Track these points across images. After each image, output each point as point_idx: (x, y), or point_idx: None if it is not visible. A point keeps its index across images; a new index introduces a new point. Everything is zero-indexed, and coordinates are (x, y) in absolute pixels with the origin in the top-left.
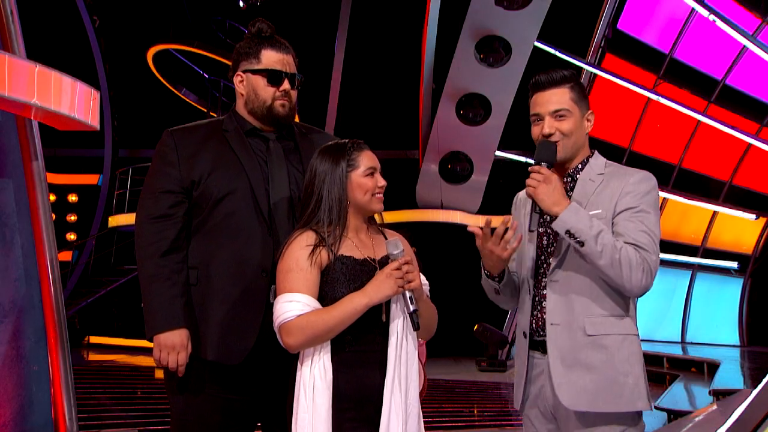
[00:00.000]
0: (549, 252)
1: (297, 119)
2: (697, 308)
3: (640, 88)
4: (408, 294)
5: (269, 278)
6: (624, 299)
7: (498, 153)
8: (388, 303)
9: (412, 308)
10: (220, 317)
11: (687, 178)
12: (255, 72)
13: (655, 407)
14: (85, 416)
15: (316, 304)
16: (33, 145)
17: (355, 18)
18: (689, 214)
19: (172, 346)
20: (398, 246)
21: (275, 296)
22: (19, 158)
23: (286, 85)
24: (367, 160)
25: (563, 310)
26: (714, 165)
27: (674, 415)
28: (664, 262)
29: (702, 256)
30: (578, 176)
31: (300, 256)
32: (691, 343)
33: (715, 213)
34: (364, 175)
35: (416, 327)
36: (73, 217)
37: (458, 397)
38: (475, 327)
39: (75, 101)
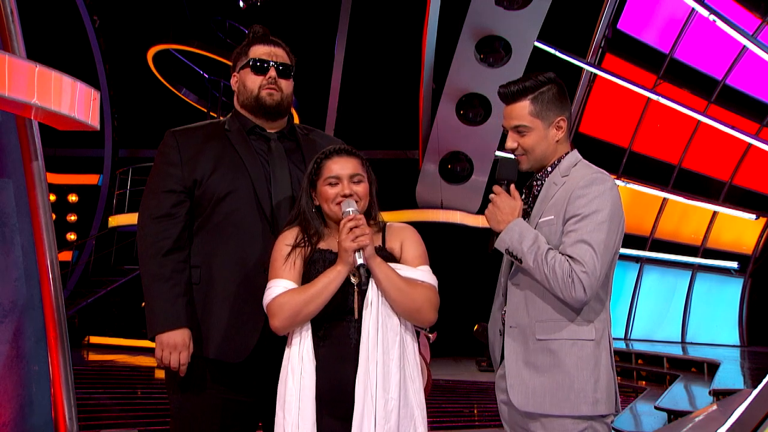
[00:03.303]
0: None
1: (297, 119)
2: (697, 308)
3: (640, 88)
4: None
5: None
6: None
7: (498, 153)
8: (361, 300)
9: (359, 262)
10: (223, 315)
11: (687, 178)
12: (244, 66)
13: (656, 407)
14: (85, 416)
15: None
16: (33, 145)
17: (355, 18)
18: (689, 214)
19: (174, 346)
20: (350, 205)
21: None
22: (19, 158)
23: (272, 72)
24: (332, 168)
25: (520, 313)
26: (714, 165)
27: (674, 415)
28: (665, 263)
29: (702, 256)
30: (546, 180)
31: (284, 248)
32: (691, 343)
33: (715, 213)
34: (324, 185)
35: (363, 283)
36: (73, 217)
37: (458, 397)
38: (475, 327)
39: (75, 101)
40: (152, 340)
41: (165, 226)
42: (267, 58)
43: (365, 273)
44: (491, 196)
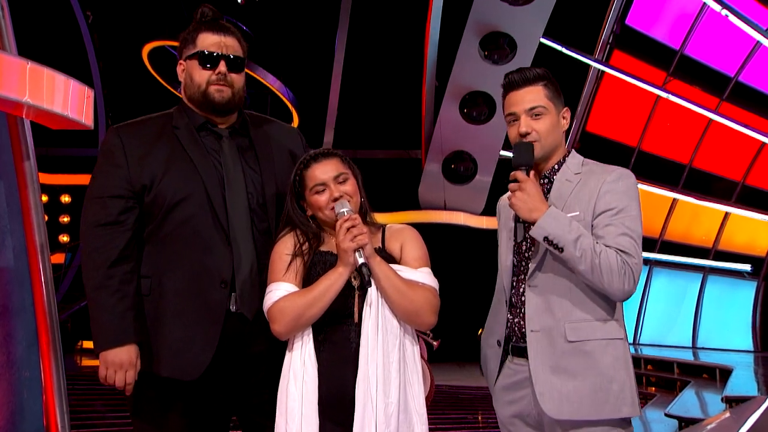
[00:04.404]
0: (527, 257)
1: (296, 120)
2: (709, 312)
3: (650, 85)
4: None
5: (228, 289)
6: (607, 302)
7: (503, 152)
8: (361, 303)
9: (360, 261)
10: (175, 330)
11: (698, 178)
12: (191, 56)
13: (666, 414)
14: (78, 423)
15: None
16: (25, 145)
17: (356, 17)
18: (700, 215)
19: (120, 364)
20: (344, 205)
21: (236, 305)
22: (11, 158)
23: (222, 67)
24: (315, 176)
25: (543, 316)
26: (726, 164)
27: (685, 422)
28: (675, 265)
29: (714, 259)
30: (554, 177)
31: (284, 252)
32: (703, 349)
33: (727, 214)
34: (312, 194)
35: (366, 282)
36: (66, 219)
37: (462, 403)
38: (479, 331)
39: (68, 99)
40: (98, 356)
41: (111, 235)
42: (216, 50)
43: (367, 272)
44: (515, 185)
